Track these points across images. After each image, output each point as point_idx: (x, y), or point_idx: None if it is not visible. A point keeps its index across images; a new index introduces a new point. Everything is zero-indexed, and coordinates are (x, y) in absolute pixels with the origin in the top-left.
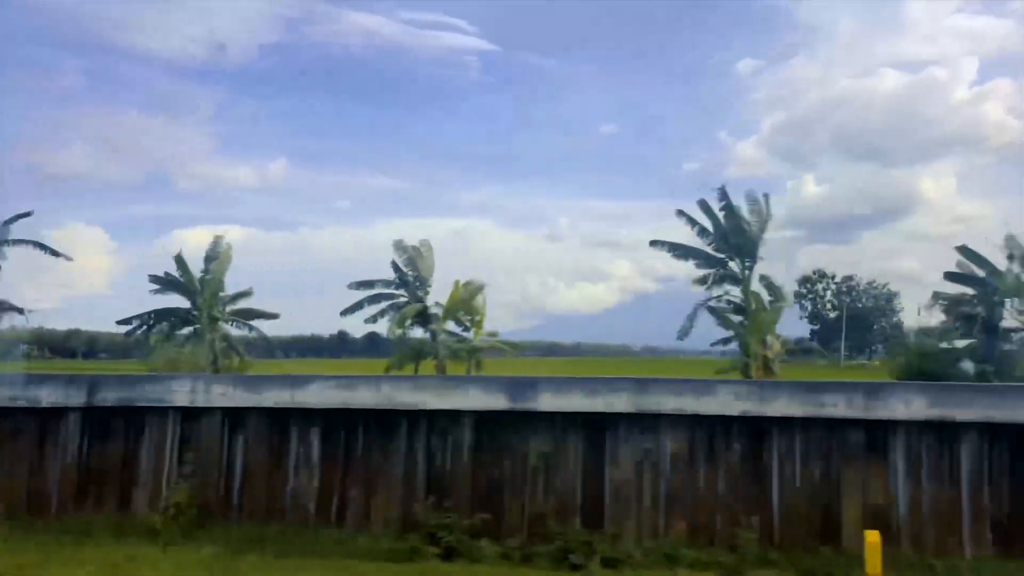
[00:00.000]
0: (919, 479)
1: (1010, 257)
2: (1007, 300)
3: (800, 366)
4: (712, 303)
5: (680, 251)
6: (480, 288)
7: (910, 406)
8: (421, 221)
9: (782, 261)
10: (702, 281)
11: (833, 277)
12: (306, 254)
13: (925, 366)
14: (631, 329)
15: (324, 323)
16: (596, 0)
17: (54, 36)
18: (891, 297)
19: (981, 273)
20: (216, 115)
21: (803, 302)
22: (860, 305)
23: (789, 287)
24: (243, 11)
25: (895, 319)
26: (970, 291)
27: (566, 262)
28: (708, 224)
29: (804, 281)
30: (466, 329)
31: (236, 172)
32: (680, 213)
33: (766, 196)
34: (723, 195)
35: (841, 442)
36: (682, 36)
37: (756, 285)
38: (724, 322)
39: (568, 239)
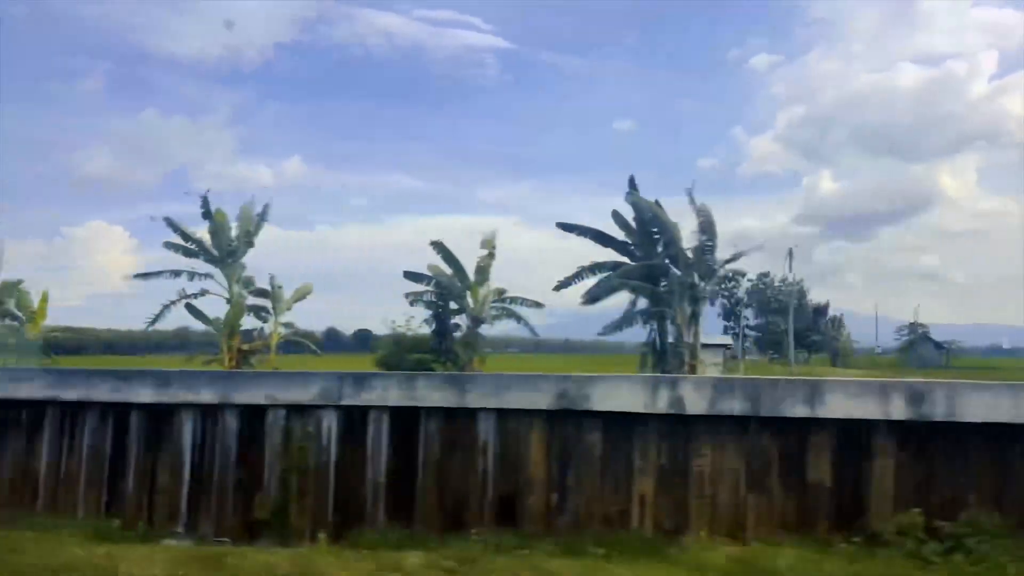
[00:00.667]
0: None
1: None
2: (455, 299)
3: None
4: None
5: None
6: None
7: None
8: (440, 219)
9: (796, 257)
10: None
11: (744, 275)
12: (323, 252)
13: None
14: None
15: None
16: None
17: (80, 43)
18: (803, 295)
19: (449, 271)
20: (234, 116)
21: (720, 301)
22: (773, 302)
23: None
24: (260, 12)
25: (806, 316)
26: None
27: (584, 259)
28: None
29: (722, 280)
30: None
31: (254, 172)
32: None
33: (259, 205)
34: (204, 203)
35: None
36: (697, 32)
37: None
38: (199, 318)
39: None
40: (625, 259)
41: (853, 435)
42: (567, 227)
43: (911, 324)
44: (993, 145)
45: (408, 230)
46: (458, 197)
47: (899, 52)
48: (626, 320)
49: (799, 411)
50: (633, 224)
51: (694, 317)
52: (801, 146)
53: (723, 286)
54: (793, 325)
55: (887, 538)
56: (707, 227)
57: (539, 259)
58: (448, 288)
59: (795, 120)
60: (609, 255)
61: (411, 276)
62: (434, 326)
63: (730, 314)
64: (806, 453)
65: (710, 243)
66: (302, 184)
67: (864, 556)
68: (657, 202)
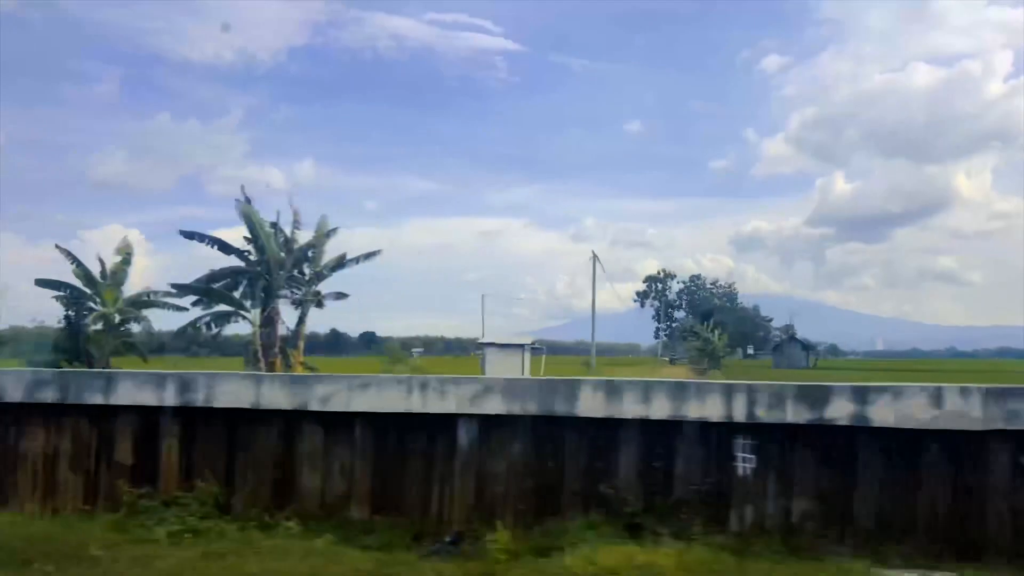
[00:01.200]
0: None
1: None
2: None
3: None
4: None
5: None
6: None
7: None
8: (452, 221)
9: (809, 259)
10: None
11: (673, 276)
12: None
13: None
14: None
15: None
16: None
17: (94, 48)
18: (734, 297)
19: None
20: (246, 119)
21: (647, 301)
22: (708, 303)
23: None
24: (272, 16)
25: (738, 317)
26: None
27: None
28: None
29: (649, 280)
30: None
31: (266, 175)
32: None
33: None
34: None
35: None
36: (707, 34)
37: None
38: None
39: (596, 239)
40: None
41: (146, 420)
42: (189, 235)
43: (784, 327)
44: (1009, 146)
45: (418, 232)
46: (468, 199)
47: (912, 52)
48: (218, 319)
49: (98, 399)
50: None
51: (301, 319)
52: (814, 147)
53: (651, 286)
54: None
55: None
56: (317, 240)
57: (550, 261)
58: (80, 294)
59: (807, 121)
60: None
61: (44, 283)
62: (65, 327)
63: (661, 315)
64: (115, 437)
65: (309, 252)
66: (315, 187)
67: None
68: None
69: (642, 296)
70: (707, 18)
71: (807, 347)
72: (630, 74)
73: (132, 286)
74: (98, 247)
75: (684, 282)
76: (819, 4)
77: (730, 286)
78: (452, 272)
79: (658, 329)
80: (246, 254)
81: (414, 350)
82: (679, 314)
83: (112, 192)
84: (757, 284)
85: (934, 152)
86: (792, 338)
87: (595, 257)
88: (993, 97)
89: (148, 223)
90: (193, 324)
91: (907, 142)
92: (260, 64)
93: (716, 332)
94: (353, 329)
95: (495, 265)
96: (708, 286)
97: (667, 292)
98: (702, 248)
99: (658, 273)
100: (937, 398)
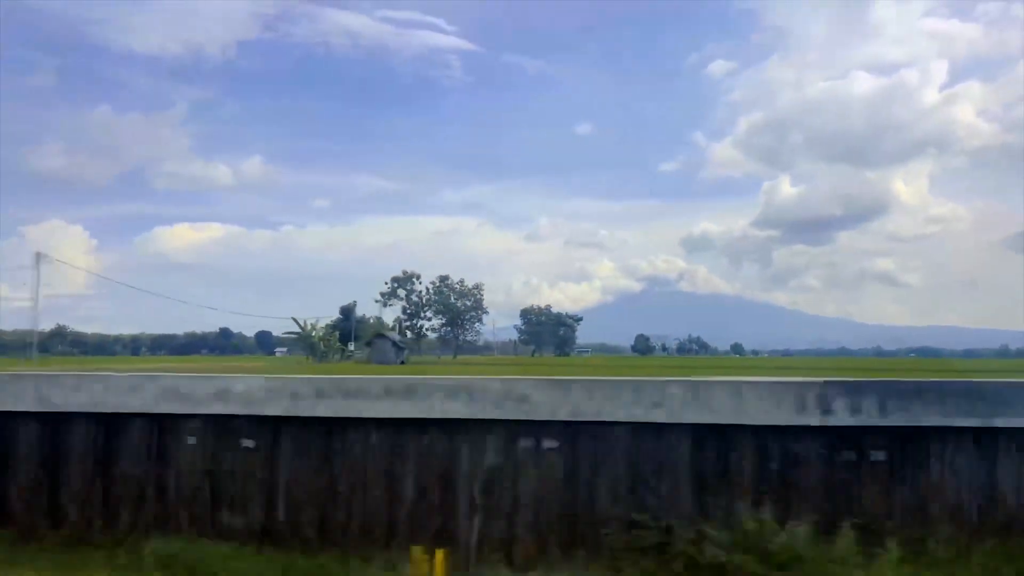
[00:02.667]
0: None
1: None
2: None
3: None
4: None
5: None
6: None
7: None
8: (405, 219)
9: (756, 260)
10: None
11: (419, 278)
12: (289, 252)
13: None
14: (618, 327)
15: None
16: (572, 1)
17: (28, 36)
18: (479, 298)
19: None
20: (192, 113)
21: (390, 301)
22: (457, 304)
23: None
24: (222, 9)
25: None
26: None
27: (548, 261)
28: None
29: (395, 280)
30: None
31: (212, 171)
32: None
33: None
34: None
35: None
36: (655, 37)
37: None
38: None
39: (550, 239)
40: None
41: None
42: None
43: (375, 327)
44: (944, 152)
45: (371, 231)
46: (423, 198)
47: (852, 60)
48: None
49: None
50: None
51: None
52: (760, 152)
53: (396, 285)
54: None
55: None
56: None
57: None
58: None
59: (754, 126)
60: None
61: None
62: None
63: (411, 314)
64: None
65: None
66: (264, 184)
67: None
68: None
69: (385, 296)
70: (655, 21)
71: (397, 345)
72: (581, 76)
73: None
74: (37, 243)
75: (434, 283)
76: (763, 12)
77: (475, 287)
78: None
79: (406, 328)
80: None
81: (277, 349)
82: (429, 313)
83: (50, 186)
84: (708, 284)
85: (874, 158)
86: (382, 336)
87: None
88: (929, 105)
89: (90, 219)
90: None
91: (848, 148)
92: (208, 58)
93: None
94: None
95: (448, 264)
96: (455, 286)
97: (412, 293)
98: (653, 249)
99: (402, 273)
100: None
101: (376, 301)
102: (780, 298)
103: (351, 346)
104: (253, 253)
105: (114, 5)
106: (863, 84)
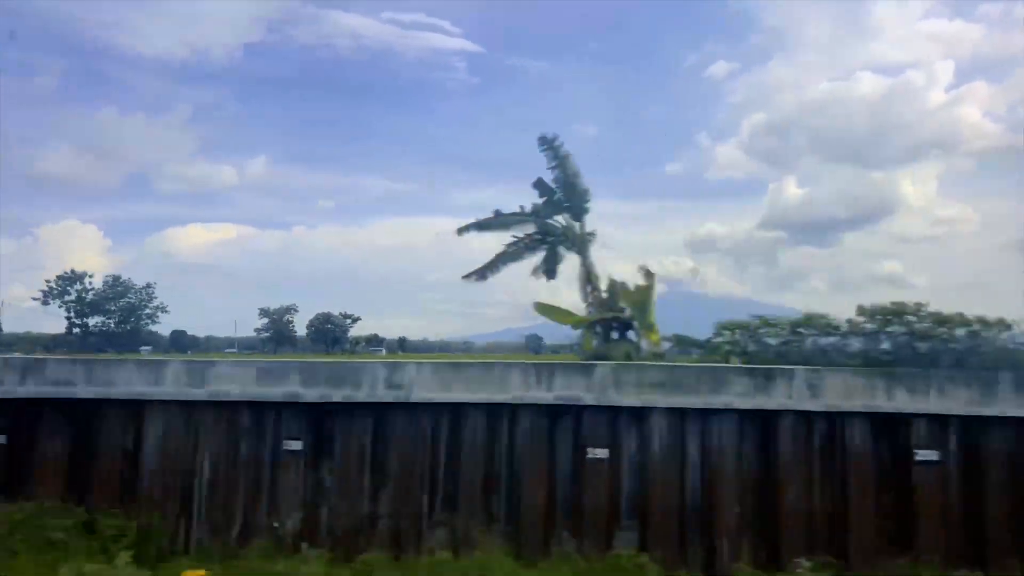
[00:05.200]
0: None
1: None
2: None
3: None
4: None
5: None
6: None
7: None
8: (412, 220)
9: (762, 262)
10: None
11: (91, 276)
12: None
13: None
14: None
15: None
16: (574, 3)
17: (35, 38)
18: (151, 297)
19: None
20: (197, 115)
21: (50, 300)
22: (132, 301)
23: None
24: (227, 12)
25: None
26: None
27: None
28: None
29: (60, 279)
30: None
31: (218, 172)
32: None
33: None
34: None
35: None
36: (657, 38)
37: None
38: None
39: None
40: None
41: None
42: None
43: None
44: (950, 153)
45: (379, 232)
46: (431, 199)
47: (854, 62)
48: None
49: None
50: None
51: None
52: (764, 153)
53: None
54: None
55: None
56: None
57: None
58: None
59: (757, 127)
60: None
61: None
62: None
63: (79, 312)
64: None
65: None
66: (269, 185)
67: None
68: None
69: (46, 294)
70: (657, 22)
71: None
72: (584, 76)
73: None
74: (52, 243)
75: (105, 281)
76: (761, 13)
77: (147, 287)
78: (413, 272)
79: (72, 324)
80: None
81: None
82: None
83: (56, 188)
84: (719, 286)
85: (879, 159)
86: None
87: None
88: (935, 106)
89: (100, 220)
90: None
91: (853, 149)
92: (214, 60)
93: None
94: None
95: (458, 266)
96: (130, 286)
97: (82, 292)
98: (660, 250)
99: (69, 272)
100: None
101: (33, 300)
102: (790, 300)
103: None
104: (268, 253)
105: (121, 8)
106: (867, 85)
